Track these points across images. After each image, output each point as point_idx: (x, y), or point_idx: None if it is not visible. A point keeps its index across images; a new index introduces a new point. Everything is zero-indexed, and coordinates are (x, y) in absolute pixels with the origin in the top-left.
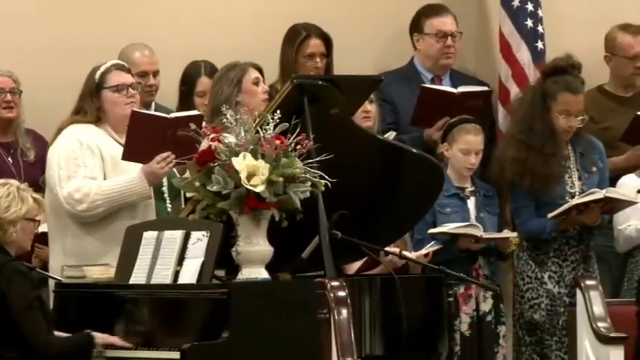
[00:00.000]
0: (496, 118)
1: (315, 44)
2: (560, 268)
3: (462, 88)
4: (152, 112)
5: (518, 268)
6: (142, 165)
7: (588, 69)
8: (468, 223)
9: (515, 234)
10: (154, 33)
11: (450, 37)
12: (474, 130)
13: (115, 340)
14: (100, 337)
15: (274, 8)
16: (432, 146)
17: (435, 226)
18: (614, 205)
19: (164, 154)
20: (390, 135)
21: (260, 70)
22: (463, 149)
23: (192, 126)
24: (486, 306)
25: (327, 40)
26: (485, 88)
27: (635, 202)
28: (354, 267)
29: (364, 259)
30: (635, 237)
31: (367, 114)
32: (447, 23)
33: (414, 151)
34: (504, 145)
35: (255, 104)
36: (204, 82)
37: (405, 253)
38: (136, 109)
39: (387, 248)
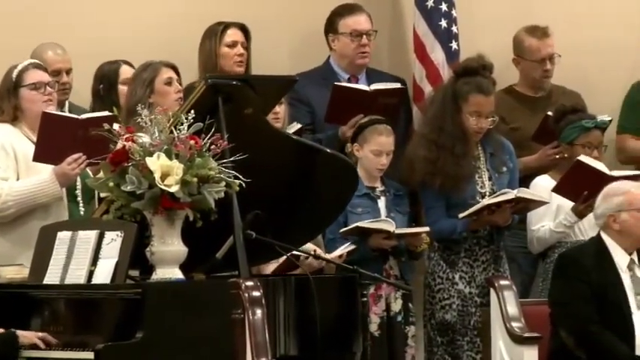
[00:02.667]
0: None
1: (234, 33)
2: (471, 269)
3: (375, 86)
4: (63, 113)
5: (429, 269)
6: (53, 166)
7: (502, 69)
8: (380, 219)
9: (426, 229)
10: (67, 32)
11: (364, 36)
12: (386, 132)
13: (36, 340)
14: (24, 336)
15: (190, 8)
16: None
17: (346, 226)
18: (526, 206)
19: (75, 156)
20: (294, 127)
21: (175, 69)
22: (374, 150)
23: (106, 126)
24: (396, 306)
25: (245, 32)
26: (399, 85)
27: (546, 203)
28: (270, 268)
29: (281, 261)
30: (549, 237)
31: (276, 115)
32: (361, 22)
33: (328, 151)
34: (415, 145)
35: (169, 104)
36: (126, 70)
37: (320, 252)
38: (46, 111)
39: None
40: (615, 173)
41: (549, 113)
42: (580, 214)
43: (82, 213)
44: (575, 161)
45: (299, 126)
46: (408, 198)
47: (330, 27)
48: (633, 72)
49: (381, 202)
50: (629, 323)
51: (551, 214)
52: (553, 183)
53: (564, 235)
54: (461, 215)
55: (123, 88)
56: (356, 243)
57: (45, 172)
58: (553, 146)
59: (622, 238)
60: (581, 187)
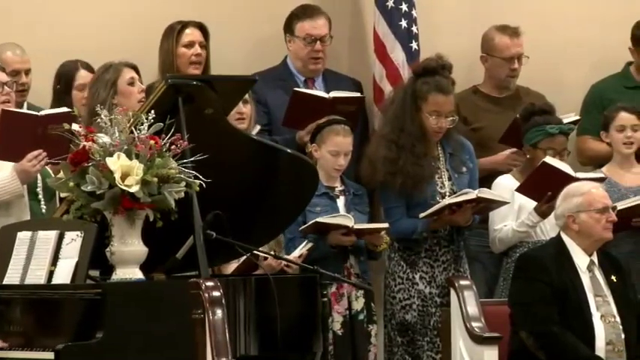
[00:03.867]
0: (371, 117)
1: (192, 33)
2: (431, 269)
3: (334, 93)
4: (23, 110)
5: (389, 269)
6: (14, 164)
7: (463, 69)
8: (339, 214)
9: (385, 225)
10: (27, 32)
11: (318, 42)
12: (343, 132)
13: None
14: None
15: (151, 8)
16: (304, 148)
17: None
18: (487, 206)
19: (35, 152)
20: (255, 129)
21: (136, 69)
22: (332, 151)
23: (66, 126)
24: (358, 305)
25: (203, 30)
26: (358, 94)
27: (507, 203)
28: (231, 268)
29: (242, 261)
30: (512, 237)
31: (241, 115)
32: (316, 27)
33: (289, 151)
34: (375, 145)
35: (132, 105)
36: (82, 76)
37: (281, 253)
38: (6, 108)
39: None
40: (580, 175)
41: (518, 116)
42: (543, 213)
43: (43, 211)
44: (540, 163)
45: (259, 127)
46: (367, 198)
47: (288, 28)
48: (596, 72)
49: (340, 202)
50: (589, 324)
51: (513, 215)
52: (515, 183)
53: (527, 235)
54: (421, 215)
55: (77, 94)
56: (315, 241)
57: (5, 169)
58: (513, 152)
59: (581, 239)
60: (545, 187)
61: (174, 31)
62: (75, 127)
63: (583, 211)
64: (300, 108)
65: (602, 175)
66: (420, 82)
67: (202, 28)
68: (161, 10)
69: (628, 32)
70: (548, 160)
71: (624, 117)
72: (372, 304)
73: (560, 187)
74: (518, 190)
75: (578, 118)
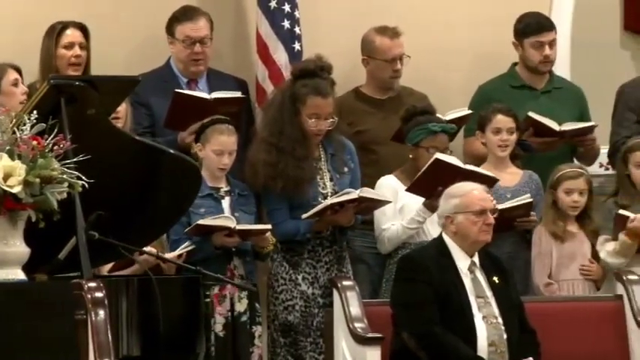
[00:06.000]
0: (257, 118)
1: (72, 34)
2: (314, 269)
3: (215, 94)
4: None
5: (272, 270)
6: None
7: (345, 70)
8: (221, 215)
9: (268, 226)
10: None
11: (198, 44)
12: (228, 131)
13: None
14: None
15: (31, 8)
16: (187, 149)
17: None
18: (369, 206)
19: None
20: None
21: (19, 71)
22: (216, 150)
23: None
24: (241, 306)
25: (84, 31)
26: (239, 95)
27: (389, 202)
28: (107, 267)
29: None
30: (401, 234)
31: (116, 114)
32: (196, 29)
33: (172, 152)
34: (256, 149)
35: (14, 105)
36: None
37: (162, 253)
38: None
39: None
40: (470, 167)
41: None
42: (432, 208)
43: None
44: (433, 160)
45: None
46: (254, 198)
47: (169, 30)
48: (482, 72)
49: (225, 202)
50: (471, 325)
51: (398, 214)
52: (398, 183)
53: (417, 231)
54: (304, 216)
55: None
56: (200, 242)
57: None
58: None
59: (459, 240)
60: (436, 183)
61: (55, 32)
62: None
63: (460, 212)
64: (181, 109)
65: (489, 173)
66: (298, 84)
67: (83, 29)
68: (42, 9)
69: (512, 34)
70: (440, 156)
71: (501, 120)
72: (257, 305)
73: (450, 181)
74: (409, 189)
75: (468, 112)
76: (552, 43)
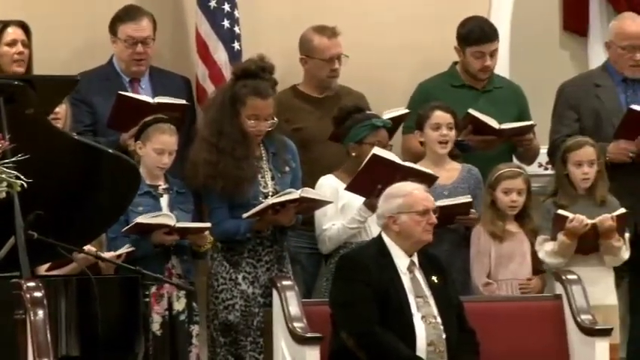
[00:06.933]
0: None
1: (14, 32)
2: (254, 269)
3: (158, 99)
4: None
5: (212, 269)
6: None
7: (286, 69)
8: (160, 213)
9: (208, 225)
10: None
11: (140, 44)
12: (169, 131)
13: None
14: None
15: None
16: (127, 149)
17: (128, 225)
18: (310, 206)
19: None
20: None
21: (25, 29)
22: (157, 149)
23: None
24: (179, 305)
25: (25, 29)
26: (183, 102)
27: (330, 202)
28: (44, 266)
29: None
30: (342, 234)
31: (56, 115)
32: (138, 30)
33: (111, 151)
34: (197, 147)
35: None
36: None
37: (101, 253)
38: None
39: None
40: (407, 164)
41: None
42: (373, 207)
43: None
44: (370, 155)
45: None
46: (192, 196)
47: (112, 29)
48: (421, 72)
49: (164, 201)
50: (410, 325)
51: (338, 214)
52: (338, 182)
53: (358, 231)
54: (245, 215)
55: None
56: (138, 240)
57: None
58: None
59: (401, 240)
60: (375, 181)
61: None
62: None
63: (404, 212)
64: (124, 111)
65: (430, 172)
66: (239, 84)
67: (24, 27)
68: None
69: (453, 32)
70: (377, 151)
71: (440, 115)
72: (195, 305)
73: (389, 178)
74: (348, 188)
75: (405, 111)
76: (494, 53)
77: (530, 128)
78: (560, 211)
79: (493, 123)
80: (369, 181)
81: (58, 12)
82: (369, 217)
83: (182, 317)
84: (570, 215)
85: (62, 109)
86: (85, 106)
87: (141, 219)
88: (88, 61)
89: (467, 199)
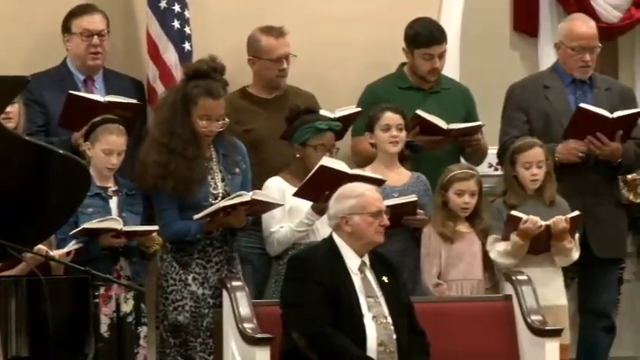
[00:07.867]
0: (148, 117)
1: None
2: (204, 270)
3: (109, 98)
4: None
5: (162, 270)
6: None
7: (236, 70)
8: (107, 217)
9: (155, 227)
10: None
11: (96, 37)
12: (118, 131)
13: None
14: None
15: None
16: (79, 149)
17: (77, 227)
18: (260, 208)
19: None
20: None
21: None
22: (105, 149)
23: None
24: (127, 307)
25: None
26: (135, 101)
27: (281, 205)
28: None
29: None
30: (290, 237)
31: (7, 115)
32: (93, 22)
33: (61, 152)
34: (147, 148)
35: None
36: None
37: (51, 252)
38: None
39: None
40: (356, 171)
41: (285, 118)
42: (321, 211)
43: None
44: (318, 167)
45: None
46: (142, 198)
47: (65, 27)
48: (370, 72)
49: (113, 202)
50: (360, 325)
51: (286, 216)
52: (285, 184)
53: (306, 234)
54: (196, 217)
55: None
56: (86, 243)
57: None
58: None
59: (353, 241)
60: (323, 188)
61: None
62: None
63: (356, 213)
64: (75, 110)
65: (381, 177)
66: (190, 85)
67: None
68: None
69: (402, 33)
70: (325, 162)
71: (390, 116)
72: (143, 306)
73: (337, 185)
74: (296, 195)
75: (357, 110)
76: (442, 55)
77: (478, 129)
78: (514, 212)
79: (441, 123)
80: (317, 188)
81: (13, 12)
82: (316, 220)
83: (130, 319)
84: (524, 216)
85: (15, 109)
86: (38, 106)
87: (88, 224)
88: (43, 62)
89: (412, 198)
